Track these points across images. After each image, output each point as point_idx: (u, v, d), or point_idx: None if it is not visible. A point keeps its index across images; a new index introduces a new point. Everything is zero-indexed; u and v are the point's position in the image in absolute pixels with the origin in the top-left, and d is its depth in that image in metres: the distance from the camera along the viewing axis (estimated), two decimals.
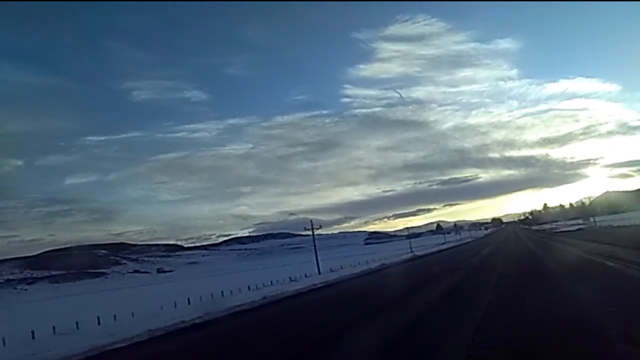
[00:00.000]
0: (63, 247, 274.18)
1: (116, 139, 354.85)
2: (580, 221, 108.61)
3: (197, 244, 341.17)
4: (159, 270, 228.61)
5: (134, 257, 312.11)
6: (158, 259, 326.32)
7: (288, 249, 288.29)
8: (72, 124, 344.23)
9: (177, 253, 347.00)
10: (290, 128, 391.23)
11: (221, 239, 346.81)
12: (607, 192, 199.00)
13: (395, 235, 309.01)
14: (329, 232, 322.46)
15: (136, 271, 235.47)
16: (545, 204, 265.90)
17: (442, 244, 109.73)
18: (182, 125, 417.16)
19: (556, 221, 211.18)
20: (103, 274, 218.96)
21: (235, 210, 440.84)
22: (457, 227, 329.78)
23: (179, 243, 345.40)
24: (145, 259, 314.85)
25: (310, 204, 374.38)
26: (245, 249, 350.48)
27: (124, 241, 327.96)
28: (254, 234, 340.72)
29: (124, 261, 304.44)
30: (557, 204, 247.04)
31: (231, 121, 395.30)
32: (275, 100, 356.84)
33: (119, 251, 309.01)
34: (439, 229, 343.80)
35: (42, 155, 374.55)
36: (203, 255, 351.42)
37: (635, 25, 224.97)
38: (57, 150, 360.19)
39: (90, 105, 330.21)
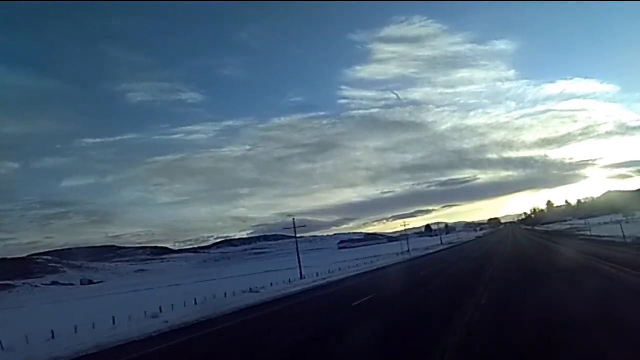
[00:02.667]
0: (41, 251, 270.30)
1: (112, 141, 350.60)
2: (615, 218, 69.10)
3: (187, 247, 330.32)
4: (82, 282, 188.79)
5: (100, 263, 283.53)
6: (110, 265, 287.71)
7: (250, 254, 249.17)
8: (68, 127, 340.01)
9: (163, 256, 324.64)
10: (288, 130, 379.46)
11: (217, 241, 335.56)
12: (609, 191, 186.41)
13: (390, 237, 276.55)
14: (325, 234, 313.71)
15: (55, 283, 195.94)
16: (549, 201, 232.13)
17: (399, 254, 70.32)
18: (178, 127, 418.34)
19: (565, 220, 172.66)
20: (10, 286, 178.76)
21: (234, 212, 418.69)
22: (449, 228, 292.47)
23: (166, 246, 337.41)
24: (90, 265, 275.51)
25: (309, 206, 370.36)
26: (216, 254, 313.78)
27: (113, 244, 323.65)
28: (251, 236, 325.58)
29: (65, 269, 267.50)
30: (563, 202, 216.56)
31: (228, 123, 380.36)
32: (272, 102, 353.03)
33: (105, 254, 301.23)
34: (428, 230, 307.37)
35: (38, 158, 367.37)
36: (162, 262, 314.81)
37: (633, 25, 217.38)
38: (54, 152, 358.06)
39: (86, 107, 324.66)
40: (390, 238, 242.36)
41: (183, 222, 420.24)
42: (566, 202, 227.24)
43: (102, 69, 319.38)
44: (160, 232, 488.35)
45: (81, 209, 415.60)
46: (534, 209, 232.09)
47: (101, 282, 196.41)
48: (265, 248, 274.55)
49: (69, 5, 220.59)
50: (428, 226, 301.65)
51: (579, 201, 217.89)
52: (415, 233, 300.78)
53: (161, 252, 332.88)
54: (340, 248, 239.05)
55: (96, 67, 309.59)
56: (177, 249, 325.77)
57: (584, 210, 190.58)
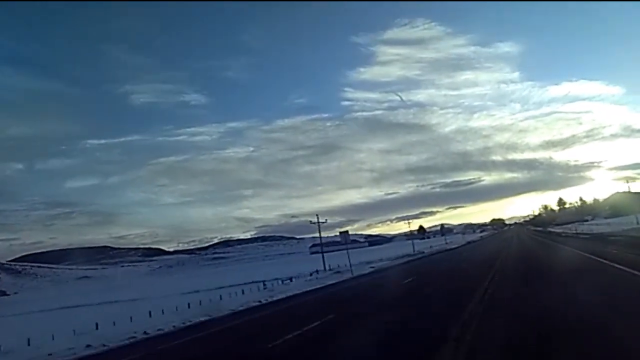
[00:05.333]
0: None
1: (117, 142, 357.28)
2: None
3: (182, 248, 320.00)
4: None
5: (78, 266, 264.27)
6: (57, 270, 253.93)
7: (207, 260, 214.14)
8: (73, 128, 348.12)
9: (155, 258, 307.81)
10: (291, 131, 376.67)
11: (214, 241, 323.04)
12: (617, 192, 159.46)
13: (372, 241, 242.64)
14: (329, 235, 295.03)
15: None
16: (560, 199, 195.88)
17: (311, 275, 34.07)
18: (182, 129, 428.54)
19: (585, 220, 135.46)
20: None
21: (237, 213, 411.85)
22: (445, 229, 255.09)
23: (161, 247, 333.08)
24: (32, 271, 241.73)
25: (313, 207, 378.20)
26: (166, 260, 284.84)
27: (108, 245, 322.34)
28: (252, 237, 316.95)
29: (0, 274, 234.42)
30: (574, 200, 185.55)
31: (231, 124, 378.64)
32: (276, 104, 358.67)
33: (97, 255, 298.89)
34: (421, 231, 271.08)
35: (43, 159, 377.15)
36: (122, 266, 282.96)
37: (639, 27, 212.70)
38: (58, 153, 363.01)
39: (90, 109, 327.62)
40: (371, 242, 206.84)
41: (187, 222, 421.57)
42: (580, 199, 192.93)
43: (106, 70, 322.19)
44: (164, 232, 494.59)
45: (85, 209, 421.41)
46: (545, 206, 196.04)
47: (15, 293, 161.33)
48: (228, 252, 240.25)
49: (73, 7, 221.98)
50: (421, 227, 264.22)
51: (595, 199, 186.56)
52: (404, 234, 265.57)
53: (154, 253, 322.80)
54: (312, 253, 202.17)
55: (100, 69, 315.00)
56: (171, 250, 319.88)
57: (599, 210, 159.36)
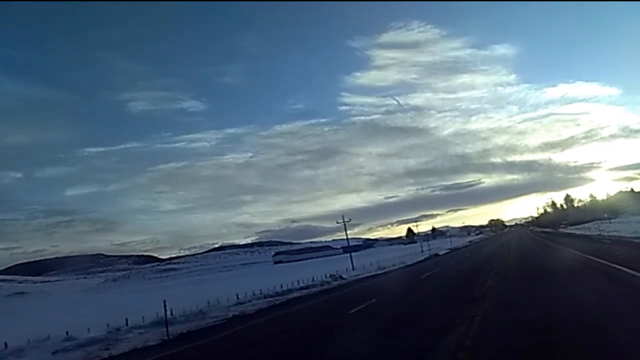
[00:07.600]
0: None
1: (115, 149, 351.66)
2: None
3: (178, 255, 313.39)
4: None
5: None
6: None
7: (156, 272, 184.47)
8: (71, 136, 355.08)
9: (146, 266, 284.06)
10: (290, 137, 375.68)
11: (214, 246, 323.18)
12: (620, 191, 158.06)
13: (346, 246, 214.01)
14: (331, 239, 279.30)
15: None
16: (568, 196, 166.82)
17: None
18: (180, 135, 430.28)
19: (610, 218, 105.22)
20: None
21: (238, 218, 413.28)
22: (436, 232, 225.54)
23: (153, 254, 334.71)
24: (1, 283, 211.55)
25: (313, 212, 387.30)
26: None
27: (103, 252, 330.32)
28: (252, 242, 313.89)
29: None
30: (586, 197, 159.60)
31: (230, 130, 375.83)
32: (273, 109, 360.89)
33: (89, 263, 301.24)
34: (409, 235, 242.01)
35: (41, 167, 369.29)
36: (77, 278, 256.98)
37: (635, 27, 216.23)
38: (56, 162, 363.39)
39: (88, 116, 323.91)
40: (345, 248, 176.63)
41: (187, 229, 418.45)
42: (591, 195, 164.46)
43: (103, 78, 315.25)
44: (165, 239, 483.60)
45: (85, 217, 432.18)
46: (552, 202, 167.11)
47: None
48: (182, 262, 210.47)
49: (69, 14, 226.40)
50: (409, 231, 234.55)
51: (608, 195, 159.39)
52: (386, 239, 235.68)
53: (145, 260, 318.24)
54: (275, 262, 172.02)
55: (97, 76, 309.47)
56: (166, 257, 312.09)
57: (614, 208, 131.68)
